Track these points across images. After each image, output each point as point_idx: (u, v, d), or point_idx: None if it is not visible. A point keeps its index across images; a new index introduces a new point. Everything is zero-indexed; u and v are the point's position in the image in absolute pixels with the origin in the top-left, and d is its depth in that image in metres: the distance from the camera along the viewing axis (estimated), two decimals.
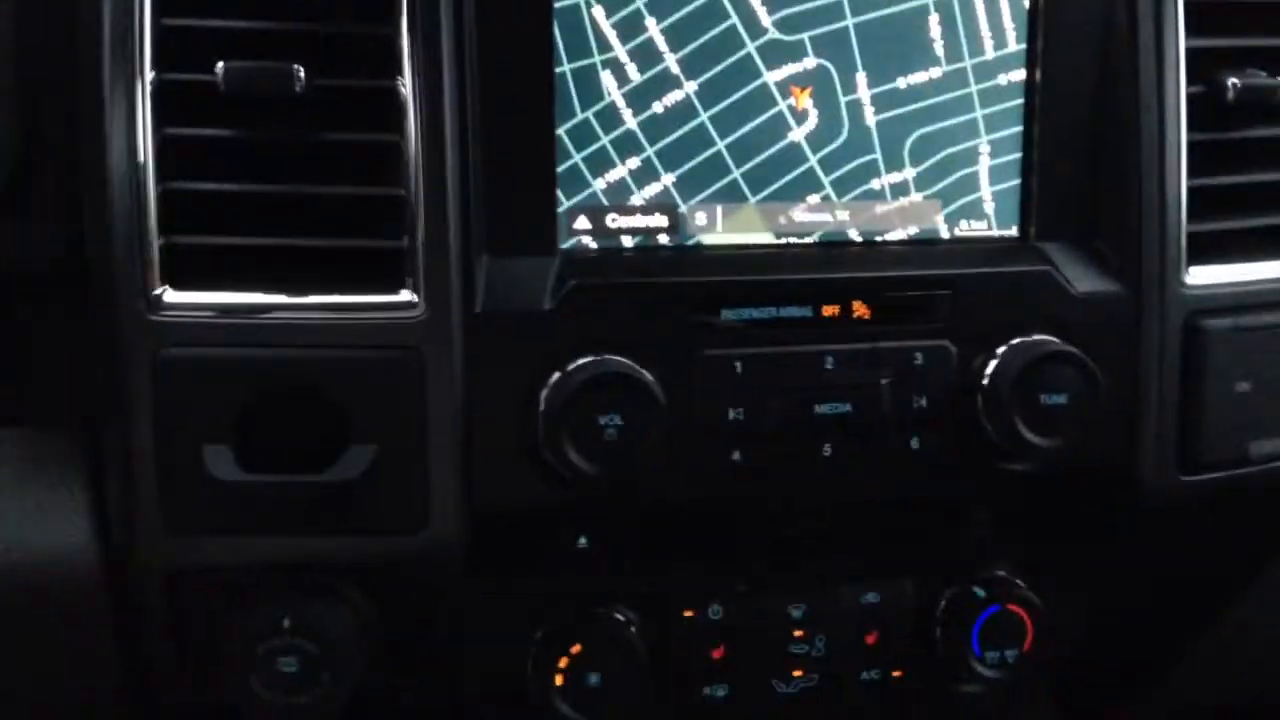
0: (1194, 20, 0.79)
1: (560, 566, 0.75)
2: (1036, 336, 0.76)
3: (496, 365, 0.70)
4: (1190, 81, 0.79)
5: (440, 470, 0.69)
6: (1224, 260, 0.80)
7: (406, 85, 0.67)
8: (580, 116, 0.73)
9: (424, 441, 0.69)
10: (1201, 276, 0.79)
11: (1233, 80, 0.79)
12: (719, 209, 0.76)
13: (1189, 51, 0.78)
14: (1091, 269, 0.79)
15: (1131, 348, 0.78)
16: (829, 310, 0.74)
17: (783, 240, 0.78)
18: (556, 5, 0.72)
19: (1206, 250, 0.79)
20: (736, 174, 0.76)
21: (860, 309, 0.75)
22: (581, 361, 0.70)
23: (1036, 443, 0.75)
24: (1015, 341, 0.76)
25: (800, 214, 0.78)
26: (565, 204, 0.74)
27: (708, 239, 0.77)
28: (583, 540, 0.76)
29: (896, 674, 0.83)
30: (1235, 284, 0.80)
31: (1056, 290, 0.77)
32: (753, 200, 0.77)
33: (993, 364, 0.76)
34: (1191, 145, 0.79)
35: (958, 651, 0.82)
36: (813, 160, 0.77)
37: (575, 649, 0.75)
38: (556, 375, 0.70)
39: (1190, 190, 0.79)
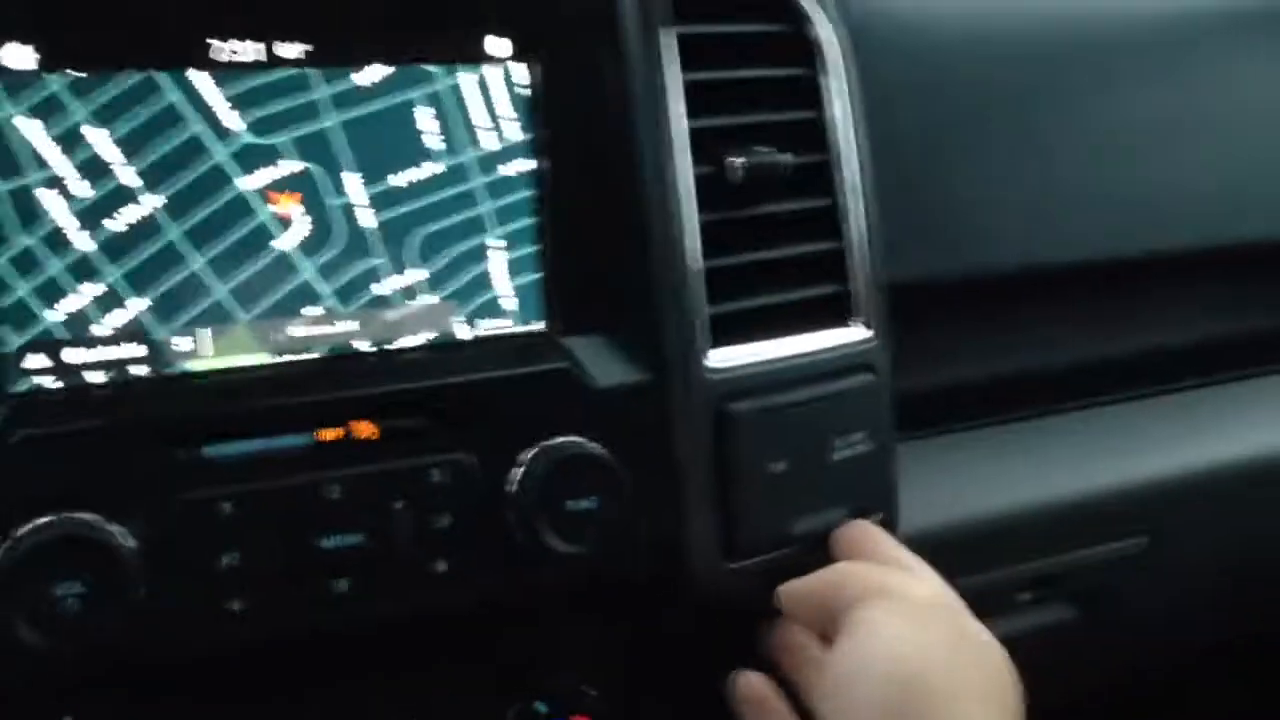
0: (695, 101, 0.78)
1: None
2: (561, 439, 0.72)
3: None
4: (697, 162, 0.77)
5: None
6: (746, 340, 0.78)
7: None
8: (21, 244, 0.65)
9: None
10: (725, 359, 0.78)
11: (741, 159, 0.78)
12: (205, 332, 0.70)
13: (692, 132, 0.77)
14: (616, 361, 0.76)
15: (662, 438, 0.76)
16: (329, 435, 0.69)
17: (282, 359, 0.71)
18: None
19: (729, 332, 0.78)
20: (221, 292, 0.70)
21: (365, 429, 0.69)
22: (31, 525, 0.61)
23: (565, 550, 0.71)
24: (540, 445, 0.72)
25: (299, 329, 0.72)
26: (14, 343, 0.65)
27: (194, 365, 0.70)
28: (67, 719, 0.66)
29: None
30: (758, 363, 0.79)
31: (578, 387, 0.74)
32: (243, 319, 0.70)
33: (518, 472, 0.71)
34: (704, 226, 0.78)
35: None
36: (308, 270, 0.72)
37: None
38: (4, 543, 0.61)
39: (707, 271, 0.77)
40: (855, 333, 0.83)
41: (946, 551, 0.98)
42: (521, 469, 0.71)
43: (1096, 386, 1.11)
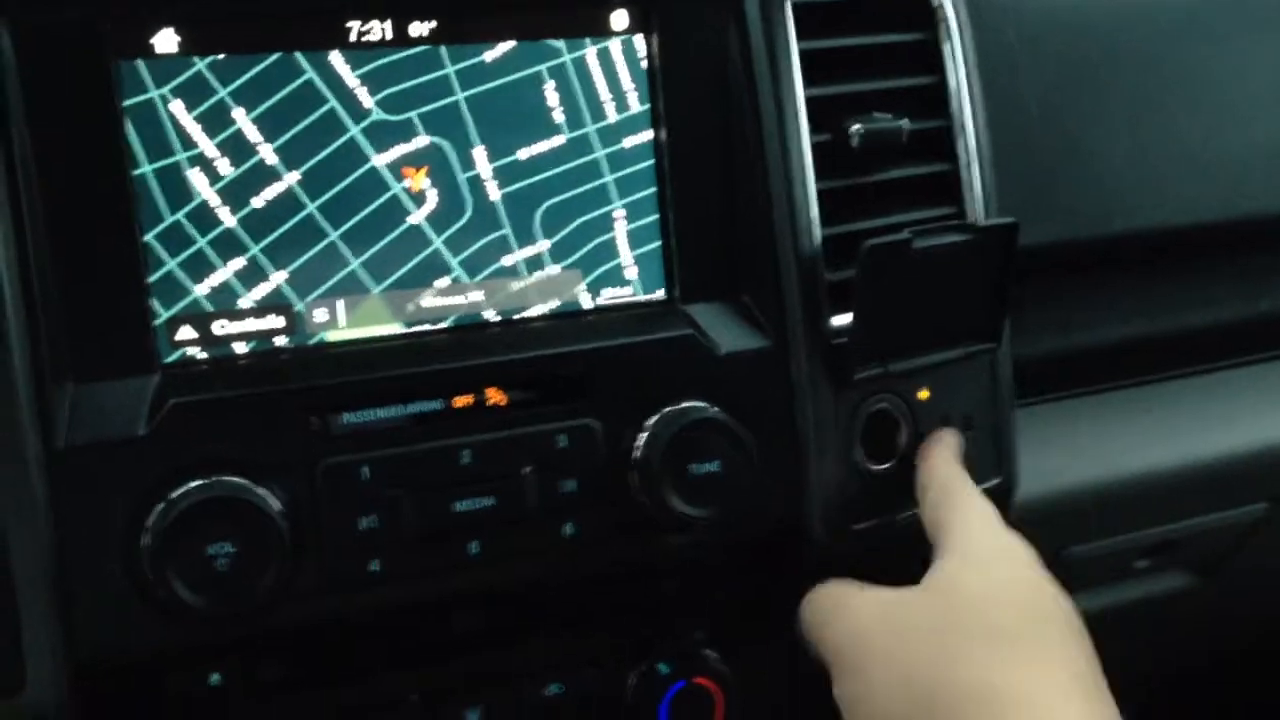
0: (812, 69, 0.78)
1: (194, 710, 0.69)
2: (685, 404, 0.74)
3: (89, 503, 0.64)
4: (815, 130, 0.78)
5: (33, 626, 0.62)
6: None
7: None
8: (170, 220, 0.68)
9: (12, 597, 0.62)
10: (846, 323, 0.78)
11: (856, 126, 0.78)
12: (340, 303, 0.72)
13: (809, 100, 0.78)
14: (738, 327, 0.77)
15: (784, 403, 0.77)
16: (461, 401, 0.71)
17: (414, 329, 0.73)
18: (126, 103, 0.66)
19: (850, 297, 0.78)
20: (355, 264, 0.72)
21: (495, 396, 0.71)
22: (185, 488, 0.64)
23: (691, 514, 0.72)
24: (664, 411, 0.73)
25: (430, 300, 0.74)
26: (163, 315, 0.68)
27: (331, 335, 0.72)
28: (215, 677, 0.69)
29: None
30: None
31: (702, 353, 0.75)
32: (376, 290, 0.73)
33: (642, 437, 0.73)
34: (824, 193, 0.78)
35: None
36: (437, 242, 0.73)
37: None
38: (160, 505, 0.64)
39: (829, 238, 0.78)
40: None
41: (1063, 518, 0.99)
42: (646, 434, 0.73)
43: (1213, 352, 1.09)
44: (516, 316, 0.75)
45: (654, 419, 0.73)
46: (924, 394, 0.81)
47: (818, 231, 0.77)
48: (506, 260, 0.75)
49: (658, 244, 0.78)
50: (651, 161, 0.77)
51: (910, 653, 0.62)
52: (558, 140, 0.75)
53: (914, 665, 0.61)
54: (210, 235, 0.69)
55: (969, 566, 0.66)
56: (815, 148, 0.77)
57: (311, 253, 0.71)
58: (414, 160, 0.72)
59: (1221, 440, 1.05)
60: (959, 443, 0.79)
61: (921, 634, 0.62)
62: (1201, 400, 1.06)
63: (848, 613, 0.66)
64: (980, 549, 0.67)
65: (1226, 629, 1.24)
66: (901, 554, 0.76)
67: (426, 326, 0.73)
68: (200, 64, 0.67)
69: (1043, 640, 0.61)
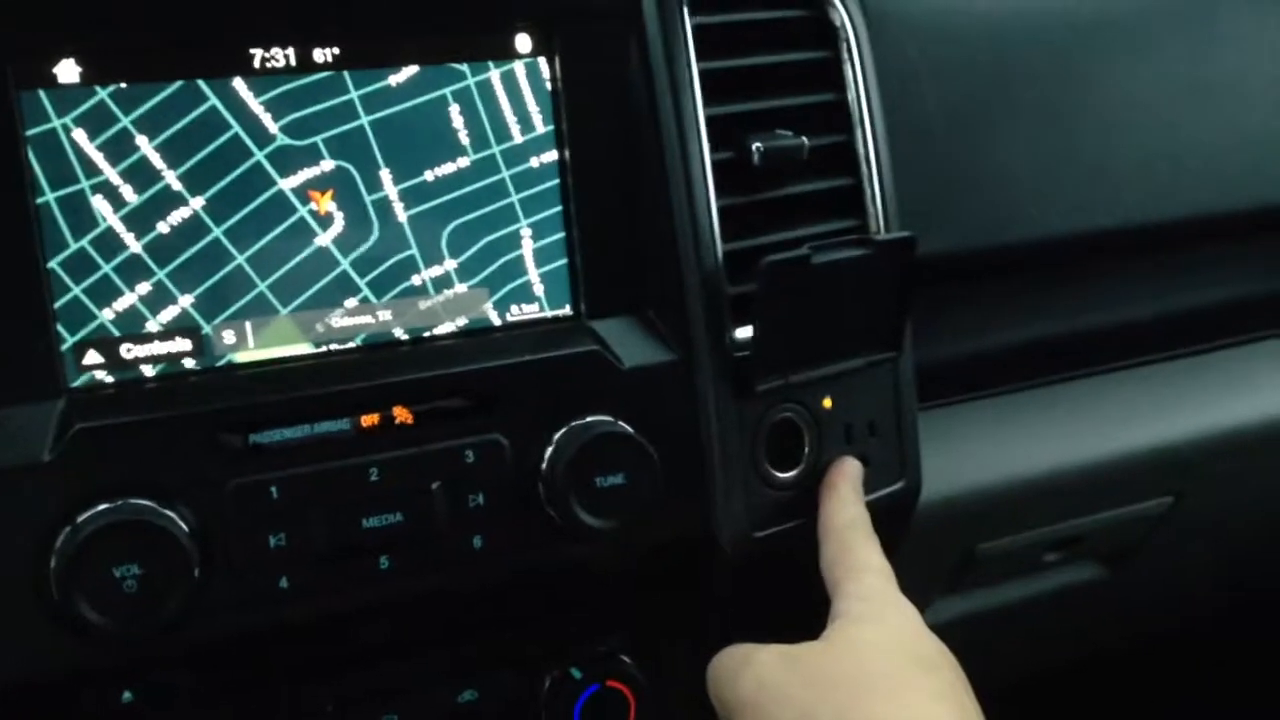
0: (713, 88, 0.80)
1: None
2: (590, 418, 0.75)
3: None
4: (716, 148, 0.80)
5: None
6: None
7: None
8: (74, 247, 0.69)
9: None
10: (749, 336, 0.80)
11: (757, 144, 0.80)
12: (248, 324, 0.73)
13: (710, 119, 0.79)
14: (644, 342, 0.79)
15: (688, 415, 0.79)
16: (368, 420, 0.72)
17: (323, 348, 0.75)
18: (28, 132, 0.67)
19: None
20: (263, 286, 0.73)
21: (402, 414, 0.73)
22: (91, 512, 0.65)
23: (596, 525, 0.74)
24: (570, 425, 0.75)
25: (338, 320, 0.75)
26: (69, 340, 0.69)
27: (240, 357, 0.73)
28: (128, 695, 0.71)
29: None
30: None
31: (607, 368, 0.77)
32: (284, 311, 0.74)
33: (549, 451, 0.75)
34: (728, 209, 0.80)
35: None
36: (344, 263, 0.75)
37: None
38: (66, 529, 0.65)
39: (732, 253, 0.80)
40: None
41: (973, 515, 1.02)
42: (552, 448, 0.74)
43: (1119, 352, 1.13)
44: (425, 335, 0.77)
45: (560, 433, 0.75)
46: (827, 402, 0.83)
47: (719, 247, 0.79)
48: (414, 280, 0.76)
49: (564, 261, 0.79)
50: (557, 181, 0.79)
51: (815, 698, 0.66)
52: (463, 162, 0.76)
53: (819, 708, 0.65)
54: (115, 261, 0.70)
55: (866, 623, 0.71)
56: (716, 165, 0.79)
57: (218, 275, 0.72)
58: (320, 184, 0.73)
59: (1125, 437, 1.09)
60: (858, 473, 0.81)
61: (825, 683, 0.67)
62: (1104, 400, 1.09)
63: (754, 666, 0.70)
64: (874, 607, 0.72)
65: (1136, 618, 1.28)
66: (806, 561, 0.79)
67: (335, 346, 0.75)
68: (102, 93, 0.68)
69: (934, 686, 0.67)
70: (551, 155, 0.78)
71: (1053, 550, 1.12)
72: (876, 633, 0.70)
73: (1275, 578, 1.32)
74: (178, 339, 0.71)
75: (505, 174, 0.77)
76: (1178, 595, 1.28)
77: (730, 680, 0.71)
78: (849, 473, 0.81)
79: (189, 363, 0.72)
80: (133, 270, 0.70)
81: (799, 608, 0.92)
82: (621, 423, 0.75)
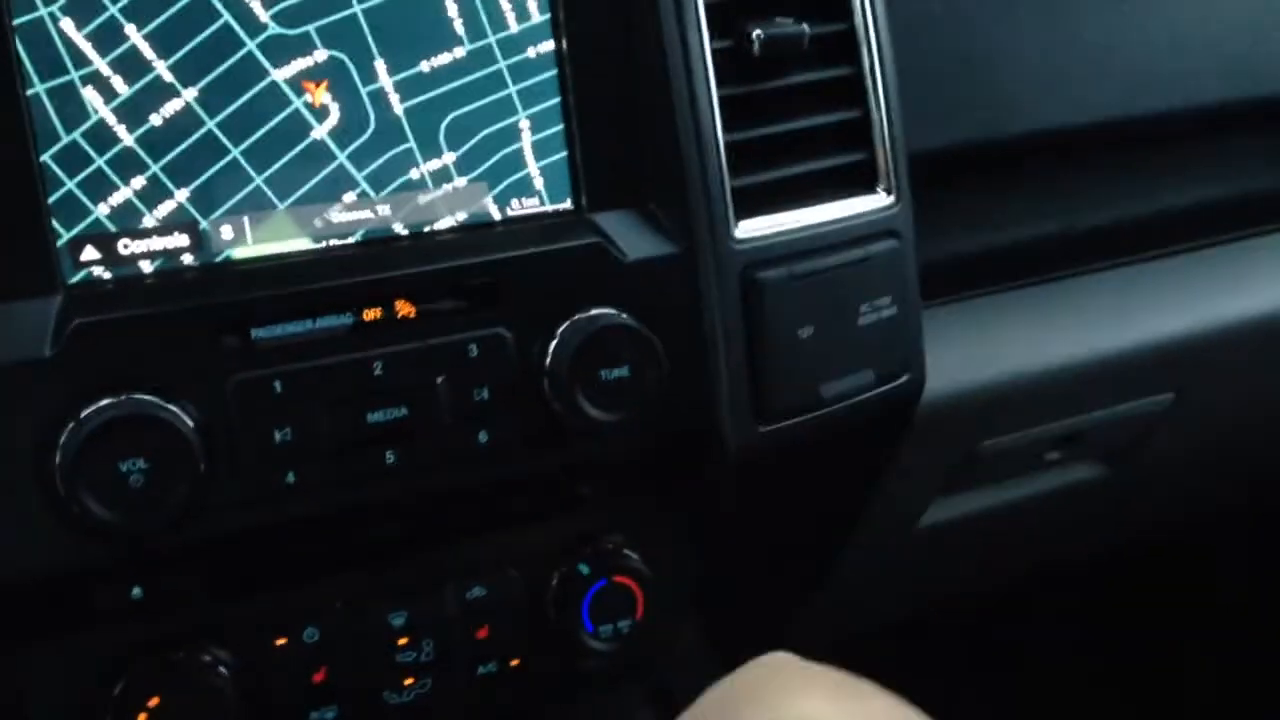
0: None
1: (120, 620, 0.70)
2: (594, 311, 0.75)
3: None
4: (716, 37, 0.78)
5: None
6: (772, 211, 0.80)
7: None
8: (67, 139, 0.68)
9: None
10: (751, 229, 0.79)
11: (757, 31, 0.79)
12: (246, 220, 0.72)
13: (710, 6, 0.78)
14: (645, 235, 0.78)
15: (691, 308, 0.78)
16: (371, 314, 0.71)
17: (322, 244, 0.74)
18: (15, 21, 0.65)
19: (755, 203, 0.80)
20: (259, 180, 0.72)
21: (405, 308, 0.72)
22: (95, 406, 0.64)
23: (601, 418, 0.74)
24: (573, 319, 0.74)
25: (337, 214, 0.74)
26: (65, 235, 0.68)
27: (238, 253, 0.72)
28: (137, 591, 0.71)
29: (514, 663, 0.82)
30: (785, 232, 0.81)
31: (609, 261, 0.76)
32: (282, 206, 0.73)
33: (552, 344, 0.74)
34: (727, 99, 0.79)
35: (570, 631, 0.81)
36: (341, 157, 0.74)
37: (153, 702, 0.70)
38: (70, 424, 0.64)
39: (729, 145, 0.79)
40: (879, 200, 0.85)
41: (976, 412, 1.02)
42: (556, 341, 0.74)
43: (1121, 247, 1.12)
44: (425, 229, 0.76)
45: (564, 326, 0.74)
46: None
47: (720, 138, 0.78)
48: (413, 174, 0.75)
49: (564, 154, 0.78)
50: (555, 72, 0.77)
51: None
52: (459, 52, 0.75)
53: None
54: (109, 154, 0.68)
55: None
56: (716, 54, 0.78)
57: (214, 170, 0.71)
58: (314, 75, 0.72)
59: (1127, 333, 1.08)
60: None
61: None
62: (1106, 296, 1.09)
63: None
64: None
65: (1137, 516, 1.29)
66: (810, 463, 0.79)
67: (334, 241, 0.74)
68: None
69: None
70: (548, 45, 0.77)
71: (1054, 448, 1.12)
72: None
73: (1276, 475, 1.32)
74: (175, 235, 0.70)
75: (502, 64, 0.76)
76: (1180, 494, 1.29)
77: None
78: None
79: (187, 259, 0.71)
80: (127, 164, 0.69)
81: (802, 514, 0.92)
82: (625, 315, 0.74)
